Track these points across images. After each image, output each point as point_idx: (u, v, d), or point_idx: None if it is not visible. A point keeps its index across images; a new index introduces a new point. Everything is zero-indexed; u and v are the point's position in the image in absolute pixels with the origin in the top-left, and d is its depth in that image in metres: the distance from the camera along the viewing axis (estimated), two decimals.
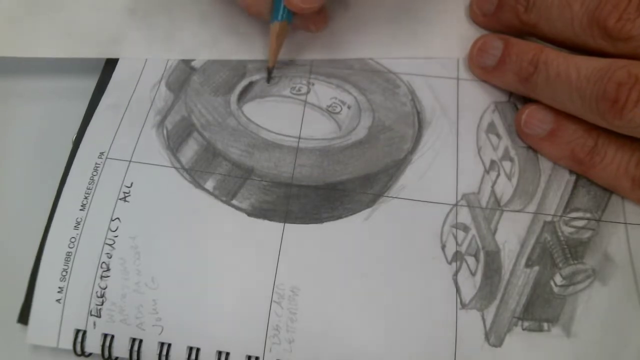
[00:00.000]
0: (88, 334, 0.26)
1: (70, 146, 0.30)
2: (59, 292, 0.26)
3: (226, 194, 0.28)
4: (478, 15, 0.32)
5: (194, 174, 0.29)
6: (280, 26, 0.29)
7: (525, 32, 0.30)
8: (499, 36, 0.30)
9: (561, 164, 0.28)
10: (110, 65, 0.32)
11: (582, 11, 0.27)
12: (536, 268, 0.27)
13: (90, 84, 0.32)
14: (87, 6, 0.34)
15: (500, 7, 0.31)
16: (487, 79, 0.31)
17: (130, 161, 0.29)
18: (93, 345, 0.26)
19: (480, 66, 0.31)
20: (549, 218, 0.28)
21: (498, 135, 0.30)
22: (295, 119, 0.30)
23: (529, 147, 0.29)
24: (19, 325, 0.26)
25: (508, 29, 0.31)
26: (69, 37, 0.33)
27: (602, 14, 0.26)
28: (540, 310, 0.26)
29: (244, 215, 0.28)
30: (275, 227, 0.27)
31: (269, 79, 0.31)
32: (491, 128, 0.30)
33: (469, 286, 0.26)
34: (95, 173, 0.28)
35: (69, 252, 0.27)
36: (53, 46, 0.33)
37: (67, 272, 0.27)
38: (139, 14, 0.34)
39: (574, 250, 0.27)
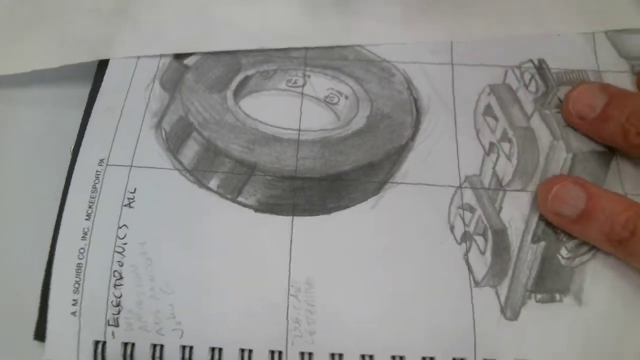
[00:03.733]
0: (108, 345, 0.26)
1: (69, 155, 0.29)
2: (73, 304, 0.26)
3: (231, 192, 0.28)
4: (573, 116, 0.29)
5: (197, 174, 0.28)
6: None
7: (626, 150, 0.28)
8: (578, 181, 0.27)
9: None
10: (102, 67, 0.32)
11: None
12: (542, 243, 0.27)
13: (86, 89, 0.31)
14: (75, 11, 0.33)
15: (603, 119, 0.28)
16: (565, 229, 0.27)
17: (131, 166, 0.28)
18: (114, 355, 0.26)
19: (556, 214, 0.27)
20: None
21: (495, 118, 0.30)
22: (294, 112, 0.30)
23: (527, 128, 0.30)
24: (36, 343, 0.26)
25: (605, 141, 0.29)
26: (61, 45, 0.32)
27: None
28: (551, 282, 0.27)
29: (251, 212, 0.28)
30: (283, 221, 0.28)
31: None
32: (488, 110, 0.30)
33: (480, 265, 0.27)
34: (97, 181, 0.28)
35: (80, 264, 0.26)
36: (46, 57, 0.32)
37: (79, 283, 0.26)
38: (129, 12, 0.33)
39: None
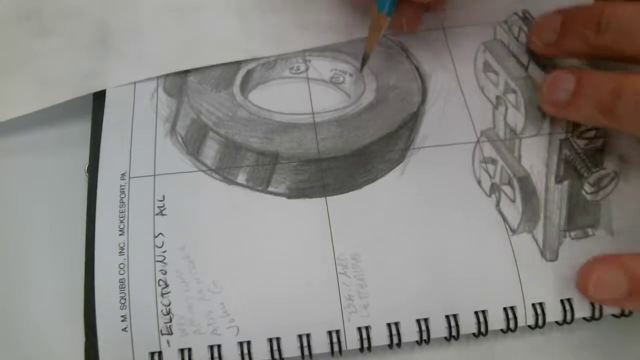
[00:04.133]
0: (164, 354, 0.25)
1: (83, 178, 0.29)
2: (122, 320, 0.25)
3: (260, 183, 0.28)
4: (538, 45, 0.31)
5: (222, 172, 0.28)
6: (381, 17, 0.28)
7: (594, 57, 0.29)
8: (569, 69, 0.28)
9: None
10: (98, 99, 0.31)
11: None
12: (566, 182, 0.28)
13: (86, 125, 0.31)
14: (50, 51, 0.32)
15: (563, 35, 0.29)
16: (562, 116, 0.29)
17: (154, 175, 0.28)
18: None
19: (553, 103, 0.29)
20: (562, 136, 0.29)
21: (495, 72, 0.31)
22: (304, 97, 0.30)
23: (527, 77, 0.31)
24: None
25: (574, 55, 0.30)
26: (43, 86, 0.31)
27: None
28: (581, 218, 0.28)
29: (284, 199, 0.28)
30: (318, 202, 0.28)
31: (363, 66, 0.30)
32: (487, 67, 0.31)
33: (513, 212, 0.28)
34: (123, 195, 0.28)
35: (122, 279, 0.26)
36: (29, 100, 0.31)
37: (125, 299, 0.26)
38: (108, 42, 0.32)
39: (593, 158, 0.29)
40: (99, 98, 0.31)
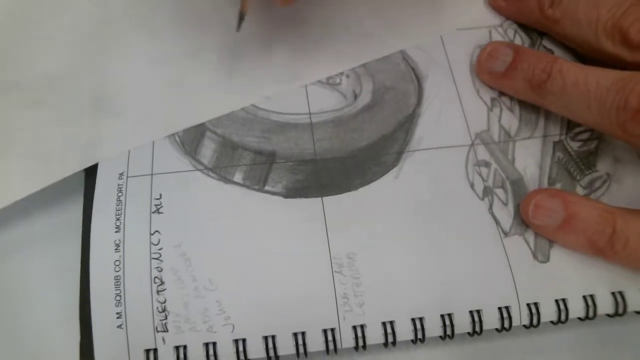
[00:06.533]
0: (160, 351, 0.25)
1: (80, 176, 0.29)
2: (118, 317, 0.25)
3: (257, 182, 0.28)
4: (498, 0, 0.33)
5: (219, 171, 0.28)
6: None
7: (544, 26, 0.32)
8: (508, 44, 0.31)
9: (582, 252, 0.27)
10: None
11: (607, 16, 0.28)
12: (558, 185, 0.29)
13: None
14: (47, 125, 0.30)
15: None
16: (495, 85, 0.31)
17: (152, 174, 0.28)
18: None
19: (489, 71, 0.31)
20: (556, 138, 0.30)
21: None
22: (300, 97, 0.31)
23: None
24: None
25: (526, 20, 0.33)
26: (44, 162, 0.29)
27: (625, 22, 0.27)
28: None
29: (281, 198, 0.28)
30: (314, 202, 0.28)
31: (239, 26, 0.29)
32: None
33: (505, 215, 0.28)
34: (120, 193, 0.28)
35: (117, 276, 0.26)
36: (33, 179, 0.28)
37: (121, 296, 0.26)
38: (108, 109, 0.30)
39: (586, 161, 0.29)
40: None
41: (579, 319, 0.27)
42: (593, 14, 0.29)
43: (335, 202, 0.28)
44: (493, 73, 0.31)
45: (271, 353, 0.25)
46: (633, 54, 0.28)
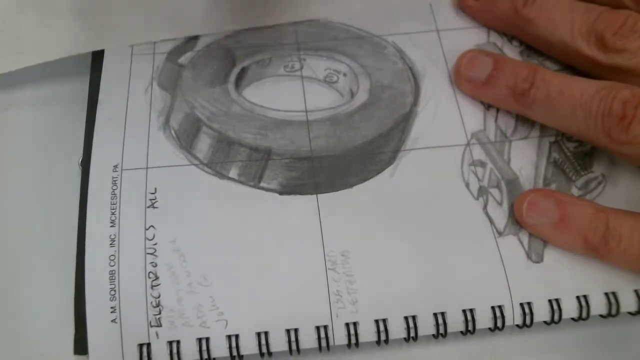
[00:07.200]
0: (153, 346, 0.25)
1: (76, 170, 0.29)
2: (112, 312, 0.26)
3: (252, 179, 0.28)
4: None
5: (215, 166, 0.29)
6: None
7: (517, 26, 0.31)
8: (487, 52, 0.31)
9: (576, 251, 0.27)
10: (96, 61, 0.32)
11: (582, 19, 0.28)
12: (553, 185, 0.29)
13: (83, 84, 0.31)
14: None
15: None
16: (476, 94, 0.31)
17: (147, 168, 0.28)
18: (160, 355, 0.25)
19: (469, 80, 0.30)
20: (552, 139, 0.30)
21: None
22: (297, 94, 0.31)
23: None
24: (77, 357, 0.26)
25: (498, 20, 0.32)
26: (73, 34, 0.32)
27: (600, 26, 0.28)
28: None
29: (276, 195, 0.28)
30: (309, 199, 0.28)
31: None
32: None
33: (500, 215, 0.28)
34: (115, 187, 0.28)
35: (112, 270, 0.26)
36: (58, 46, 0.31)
37: (115, 290, 0.26)
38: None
39: (582, 162, 0.29)
40: (94, 92, 0.31)
41: (572, 319, 0.27)
42: (568, 15, 0.29)
43: (330, 200, 0.28)
44: (473, 82, 0.30)
45: (264, 349, 0.25)
46: (608, 57, 0.28)
